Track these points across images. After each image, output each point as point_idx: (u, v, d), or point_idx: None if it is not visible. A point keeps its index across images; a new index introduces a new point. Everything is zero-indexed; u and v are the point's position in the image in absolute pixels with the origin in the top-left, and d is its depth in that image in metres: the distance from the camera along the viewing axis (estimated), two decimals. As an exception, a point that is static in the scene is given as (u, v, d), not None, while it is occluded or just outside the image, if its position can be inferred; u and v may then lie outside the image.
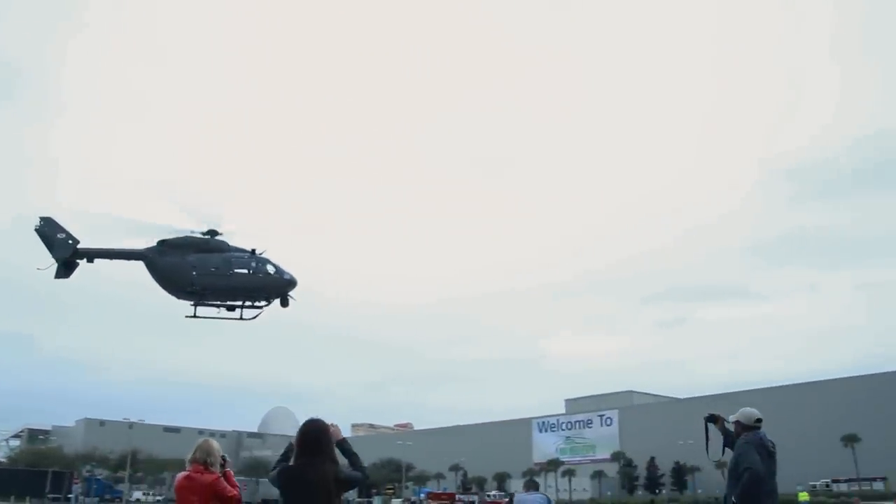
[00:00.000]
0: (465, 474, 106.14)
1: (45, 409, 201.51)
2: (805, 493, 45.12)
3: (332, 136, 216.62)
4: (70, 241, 24.73)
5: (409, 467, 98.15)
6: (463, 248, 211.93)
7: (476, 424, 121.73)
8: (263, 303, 26.05)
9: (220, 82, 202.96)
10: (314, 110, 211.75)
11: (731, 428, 6.25)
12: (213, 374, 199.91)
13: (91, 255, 25.07)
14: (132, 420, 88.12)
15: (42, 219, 25.22)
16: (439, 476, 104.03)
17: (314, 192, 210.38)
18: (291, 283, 26.31)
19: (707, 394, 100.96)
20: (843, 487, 69.55)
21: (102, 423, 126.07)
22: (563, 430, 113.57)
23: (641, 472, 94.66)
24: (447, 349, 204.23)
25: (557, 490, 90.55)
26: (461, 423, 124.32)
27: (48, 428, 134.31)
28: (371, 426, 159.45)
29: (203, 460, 5.77)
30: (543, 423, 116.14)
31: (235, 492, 5.81)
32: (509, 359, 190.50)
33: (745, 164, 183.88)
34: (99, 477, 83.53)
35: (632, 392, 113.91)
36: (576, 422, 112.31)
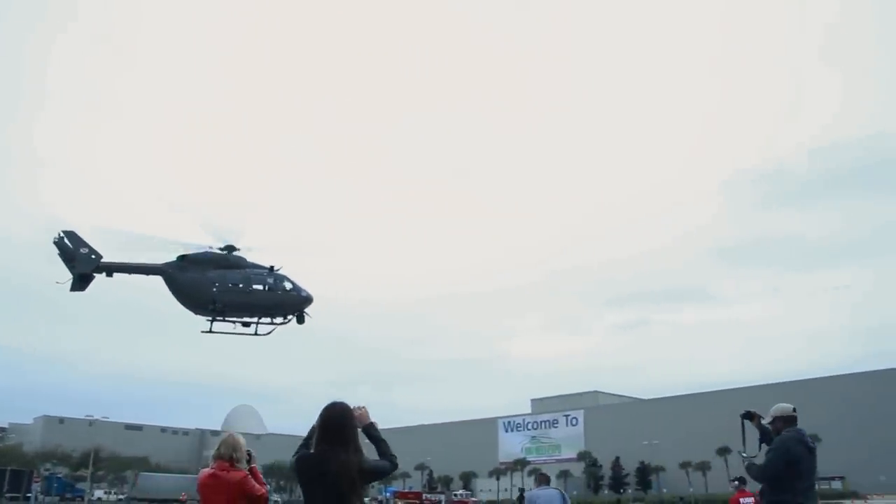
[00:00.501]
0: (430, 473, 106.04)
1: (1, 406, 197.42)
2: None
3: (301, 134, 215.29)
4: (93, 256, 24.88)
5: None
6: (430, 248, 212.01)
7: (442, 424, 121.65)
8: (280, 319, 26.35)
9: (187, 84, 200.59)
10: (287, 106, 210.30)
11: (765, 426, 6.15)
12: (176, 371, 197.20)
13: (112, 269, 25.23)
14: (94, 417, 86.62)
15: (64, 232, 25.17)
16: (405, 475, 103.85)
17: (283, 191, 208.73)
18: (308, 300, 26.69)
19: (671, 395, 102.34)
20: (805, 486, 70.64)
21: (62, 420, 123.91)
22: (528, 429, 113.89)
23: (606, 471, 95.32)
24: (413, 348, 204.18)
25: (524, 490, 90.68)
26: (427, 423, 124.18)
27: (5, 425, 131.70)
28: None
29: (229, 456, 5.30)
30: (509, 422, 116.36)
31: (264, 490, 5.39)
32: (476, 359, 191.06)
33: (711, 170, 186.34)
34: (59, 475, 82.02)
35: (597, 392, 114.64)
36: (542, 422, 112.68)
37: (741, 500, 13.20)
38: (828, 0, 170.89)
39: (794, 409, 5.95)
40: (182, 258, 25.55)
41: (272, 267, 26.37)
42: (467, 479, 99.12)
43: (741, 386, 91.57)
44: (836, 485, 71.51)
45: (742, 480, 13.58)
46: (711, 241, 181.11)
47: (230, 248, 25.91)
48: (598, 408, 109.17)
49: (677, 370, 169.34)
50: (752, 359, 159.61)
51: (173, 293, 25.58)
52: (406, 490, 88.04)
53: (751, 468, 5.97)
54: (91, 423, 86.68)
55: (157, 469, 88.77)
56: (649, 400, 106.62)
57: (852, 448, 72.61)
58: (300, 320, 26.53)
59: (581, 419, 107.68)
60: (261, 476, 5.54)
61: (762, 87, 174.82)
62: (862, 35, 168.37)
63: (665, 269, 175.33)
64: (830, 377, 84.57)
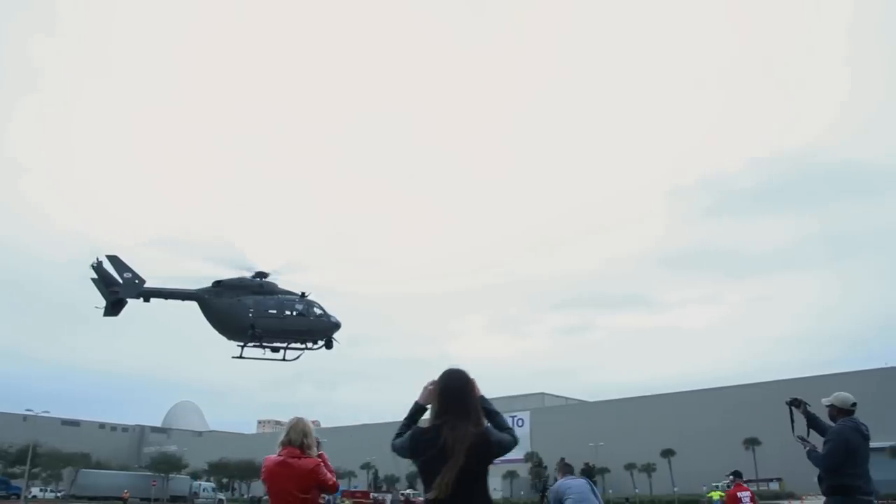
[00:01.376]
0: (375, 473, 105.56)
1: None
2: (718, 492, 46.40)
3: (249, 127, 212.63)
4: (136, 281, 25.22)
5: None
6: (374, 248, 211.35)
7: (387, 423, 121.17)
8: (310, 344, 26.80)
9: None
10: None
11: (811, 412, 6.49)
12: (115, 366, 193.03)
13: (151, 294, 25.54)
14: (32, 412, 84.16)
15: (108, 257, 25.43)
16: (350, 474, 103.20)
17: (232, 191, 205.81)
18: (337, 326, 27.27)
19: (615, 397, 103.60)
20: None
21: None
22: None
23: (552, 472, 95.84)
24: (358, 347, 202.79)
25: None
26: (371, 422, 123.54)
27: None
28: (277, 423, 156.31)
29: (300, 443, 4.97)
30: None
31: (335, 478, 5.09)
32: (421, 359, 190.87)
33: (653, 180, 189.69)
34: (-6, 472, 79.66)
35: (543, 394, 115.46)
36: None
37: (738, 493, 13.12)
38: (771, 11, 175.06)
39: (854, 404, 6.22)
40: (218, 284, 25.94)
41: (303, 293, 26.84)
42: (413, 479, 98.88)
43: (683, 390, 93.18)
44: (774, 485, 73.34)
45: (738, 475, 13.64)
46: (655, 250, 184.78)
47: (261, 275, 26.40)
48: (543, 409, 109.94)
49: (621, 374, 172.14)
50: (692, 363, 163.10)
51: (209, 319, 25.85)
52: (353, 489, 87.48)
53: (812, 455, 6.21)
54: (25, 417, 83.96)
55: (97, 466, 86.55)
56: (594, 402, 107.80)
57: (788, 450, 74.31)
58: (329, 345, 27.06)
59: (527, 420, 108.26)
60: (330, 464, 5.22)
61: (707, 101, 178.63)
62: (802, 49, 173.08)
63: (610, 276, 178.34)
64: (769, 382, 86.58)
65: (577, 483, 9.08)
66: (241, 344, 25.86)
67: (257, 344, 25.94)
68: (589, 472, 9.67)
